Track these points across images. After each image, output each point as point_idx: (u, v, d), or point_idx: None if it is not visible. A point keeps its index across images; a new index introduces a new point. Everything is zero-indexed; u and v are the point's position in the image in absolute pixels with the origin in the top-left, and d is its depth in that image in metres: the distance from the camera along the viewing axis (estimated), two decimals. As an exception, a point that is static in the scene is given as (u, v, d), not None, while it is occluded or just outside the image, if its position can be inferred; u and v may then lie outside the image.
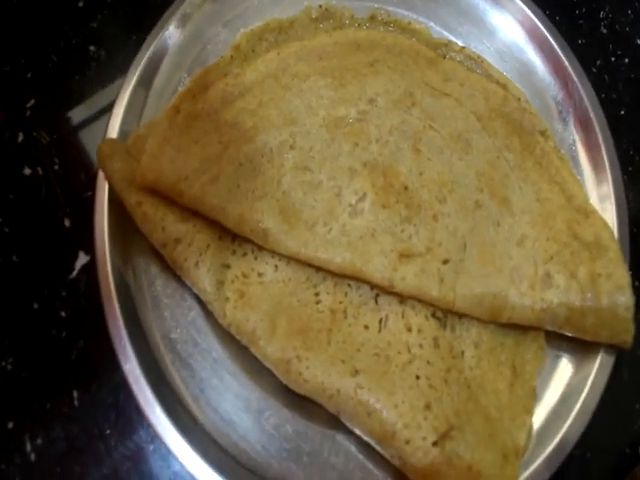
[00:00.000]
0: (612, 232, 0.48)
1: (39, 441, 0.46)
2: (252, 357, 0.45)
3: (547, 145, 0.52)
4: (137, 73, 0.53)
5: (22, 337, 0.49)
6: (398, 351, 0.43)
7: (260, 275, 0.46)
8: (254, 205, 0.46)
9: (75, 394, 0.47)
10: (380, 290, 0.46)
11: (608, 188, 0.52)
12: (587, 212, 0.48)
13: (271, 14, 0.58)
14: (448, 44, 0.57)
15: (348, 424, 0.43)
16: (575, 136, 0.55)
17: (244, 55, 0.55)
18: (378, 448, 0.42)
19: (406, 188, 0.48)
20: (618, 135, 0.54)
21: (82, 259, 0.51)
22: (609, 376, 0.45)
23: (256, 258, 0.47)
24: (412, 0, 0.60)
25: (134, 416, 0.46)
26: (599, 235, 0.47)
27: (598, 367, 0.46)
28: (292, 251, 0.45)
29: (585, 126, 0.54)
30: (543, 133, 0.53)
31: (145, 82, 0.53)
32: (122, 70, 0.54)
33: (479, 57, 0.57)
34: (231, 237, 0.47)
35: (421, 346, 0.44)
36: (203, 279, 0.45)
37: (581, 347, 0.46)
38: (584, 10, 0.65)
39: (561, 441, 0.43)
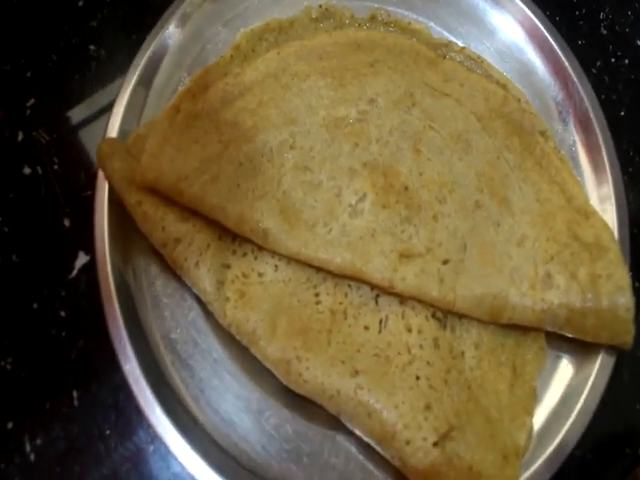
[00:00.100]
0: (612, 233, 0.48)
1: (39, 441, 0.45)
2: (252, 357, 0.44)
3: (547, 146, 0.52)
4: (137, 72, 0.53)
5: (22, 337, 0.49)
6: (398, 352, 0.43)
7: (260, 275, 0.46)
8: (254, 205, 0.46)
9: (75, 394, 0.47)
10: (380, 291, 0.46)
11: (608, 189, 0.52)
12: (587, 213, 0.48)
13: (271, 14, 0.57)
14: (448, 44, 0.57)
15: (348, 425, 0.43)
16: (575, 137, 0.55)
17: (244, 55, 0.55)
18: (378, 449, 0.42)
19: (406, 188, 0.48)
20: (618, 136, 0.54)
21: (82, 259, 0.51)
22: (609, 377, 0.45)
23: (256, 258, 0.47)
24: (412, 0, 0.60)
25: (134, 416, 0.46)
26: (599, 236, 0.47)
27: (598, 368, 0.46)
28: (292, 251, 0.45)
29: (585, 127, 0.54)
30: (543, 133, 0.53)
31: (145, 82, 0.53)
32: (122, 70, 0.54)
33: (479, 57, 0.57)
34: (231, 237, 0.47)
35: (421, 347, 0.44)
36: (203, 279, 0.45)
37: (581, 348, 0.46)
38: (584, 11, 0.65)
39: (561, 442, 0.43)
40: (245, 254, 0.47)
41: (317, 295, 0.46)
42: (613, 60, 0.62)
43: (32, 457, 0.45)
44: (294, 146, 0.49)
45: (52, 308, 0.49)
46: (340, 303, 0.45)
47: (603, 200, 0.51)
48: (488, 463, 0.40)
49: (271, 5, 0.58)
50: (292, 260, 0.46)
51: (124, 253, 0.48)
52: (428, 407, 0.41)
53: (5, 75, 0.58)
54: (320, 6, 0.58)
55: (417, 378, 0.42)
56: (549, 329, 0.46)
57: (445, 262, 0.45)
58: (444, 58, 0.56)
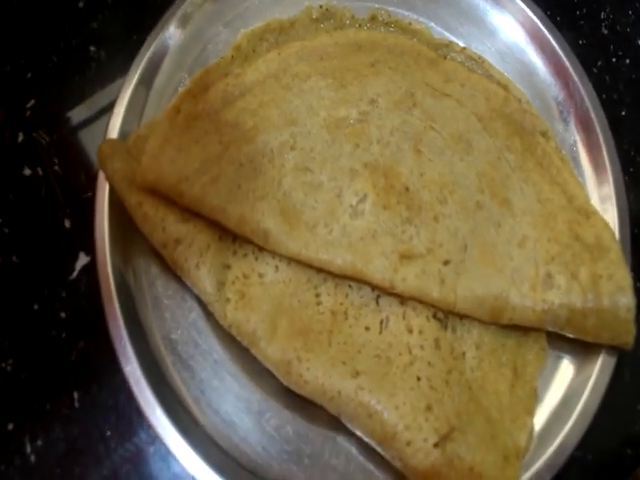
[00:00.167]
0: (613, 233, 0.47)
1: (39, 442, 0.45)
2: (253, 358, 0.44)
3: (548, 146, 0.52)
4: (138, 73, 0.53)
5: (22, 338, 0.49)
6: (399, 352, 0.43)
7: (261, 276, 0.46)
8: (255, 206, 0.46)
9: (75, 395, 0.47)
10: (381, 291, 0.45)
11: (609, 189, 0.51)
12: (588, 213, 0.48)
13: (272, 14, 0.57)
14: (449, 45, 0.57)
15: (349, 426, 0.43)
16: (576, 137, 0.55)
17: (245, 55, 0.55)
18: (379, 450, 0.42)
19: (407, 189, 0.48)
20: (619, 136, 0.54)
21: (82, 260, 0.51)
22: (610, 377, 0.45)
23: (257, 259, 0.47)
24: (413, 0, 0.60)
25: (134, 417, 0.46)
26: (600, 236, 0.47)
27: (599, 368, 0.45)
28: (293, 252, 0.45)
29: (586, 127, 0.54)
30: (544, 134, 0.53)
31: (146, 82, 0.53)
32: (122, 70, 0.54)
33: (480, 58, 0.57)
34: (232, 238, 0.47)
35: (422, 347, 0.44)
36: (204, 280, 0.45)
37: (582, 348, 0.46)
38: (585, 11, 0.65)
39: (562, 442, 0.43)
40: (246, 255, 0.47)
41: (318, 296, 0.46)
42: (614, 60, 0.62)
43: (32, 458, 0.45)
44: (295, 147, 0.49)
45: (52, 309, 0.49)
46: (341, 304, 0.45)
47: (604, 200, 0.51)
48: (489, 464, 0.40)
49: (272, 5, 0.58)
50: (293, 261, 0.46)
51: (124, 254, 0.48)
52: (429, 408, 0.41)
53: (5, 76, 0.58)
54: (321, 6, 0.58)
55: (418, 379, 0.42)
56: (550, 329, 0.46)
57: (446, 263, 0.45)
58: (445, 58, 0.56)
